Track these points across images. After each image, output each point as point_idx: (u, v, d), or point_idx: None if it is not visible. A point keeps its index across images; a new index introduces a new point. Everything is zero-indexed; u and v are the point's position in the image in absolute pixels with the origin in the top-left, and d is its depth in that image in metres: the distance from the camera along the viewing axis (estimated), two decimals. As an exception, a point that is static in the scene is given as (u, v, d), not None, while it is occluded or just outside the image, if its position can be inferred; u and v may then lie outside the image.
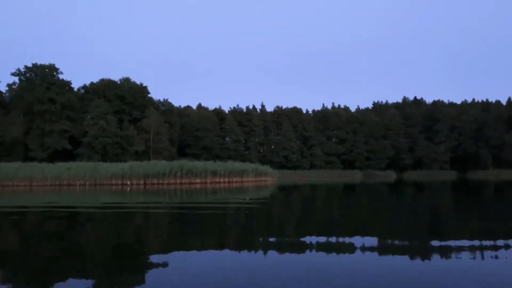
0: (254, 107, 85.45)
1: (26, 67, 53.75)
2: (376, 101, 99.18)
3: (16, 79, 54.60)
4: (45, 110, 51.51)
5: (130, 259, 3.60)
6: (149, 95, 62.95)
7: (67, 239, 4.79)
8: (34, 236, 5.12)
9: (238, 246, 4.22)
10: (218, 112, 79.99)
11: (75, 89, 58.58)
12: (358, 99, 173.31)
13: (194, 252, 3.91)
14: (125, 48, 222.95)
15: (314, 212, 7.52)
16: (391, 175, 66.66)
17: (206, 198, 12.14)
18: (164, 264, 3.39)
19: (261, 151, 79.61)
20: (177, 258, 3.62)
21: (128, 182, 28.88)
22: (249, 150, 77.55)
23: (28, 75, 54.02)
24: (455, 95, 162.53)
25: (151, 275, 3.02)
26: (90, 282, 2.82)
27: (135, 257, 3.69)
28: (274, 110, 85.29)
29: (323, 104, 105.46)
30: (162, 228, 5.66)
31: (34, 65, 53.80)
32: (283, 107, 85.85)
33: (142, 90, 61.56)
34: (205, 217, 7.00)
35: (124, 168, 29.24)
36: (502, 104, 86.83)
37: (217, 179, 30.45)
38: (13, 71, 54.23)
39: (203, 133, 71.11)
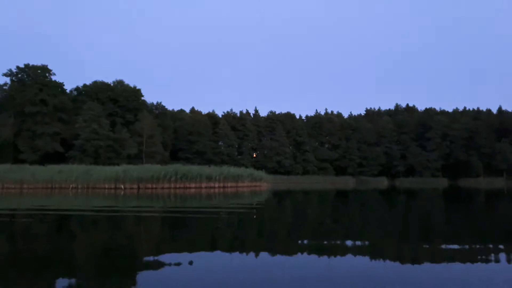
0: (247, 111, 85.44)
1: (18, 67, 53.02)
2: (368, 108, 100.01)
3: (7, 79, 53.85)
4: (36, 111, 50.75)
5: (121, 264, 3.52)
6: (142, 98, 62.57)
7: (57, 243, 4.61)
8: (22, 239, 4.93)
9: (233, 250, 4.11)
10: (211, 116, 79.77)
11: (68, 91, 57.95)
12: (351, 105, 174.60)
13: (186, 255, 3.84)
14: (119, 51, 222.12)
15: (311, 217, 7.42)
16: (383, 182, 66.84)
17: (208, 203, 11.95)
18: (156, 269, 3.31)
19: (255, 155, 79.37)
20: (169, 263, 3.54)
21: (122, 186, 28.48)
22: (242, 155, 77.28)
23: (20, 75, 53.28)
24: (446, 103, 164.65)
25: (142, 280, 2.95)
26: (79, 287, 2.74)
27: (126, 261, 3.60)
28: (268, 115, 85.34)
29: (316, 110, 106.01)
30: (155, 233, 5.51)
31: (26, 66, 53.08)
32: (277, 112, 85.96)
33: (135, 93, 61.17)
34: (201, 222, 6.83)
35: (118, 172, 28.81)
36: (492, 113, 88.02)
37: (212, 184, 30.17)
38: (5, 71, 53.55)
39: (196, 137, 70.73)
